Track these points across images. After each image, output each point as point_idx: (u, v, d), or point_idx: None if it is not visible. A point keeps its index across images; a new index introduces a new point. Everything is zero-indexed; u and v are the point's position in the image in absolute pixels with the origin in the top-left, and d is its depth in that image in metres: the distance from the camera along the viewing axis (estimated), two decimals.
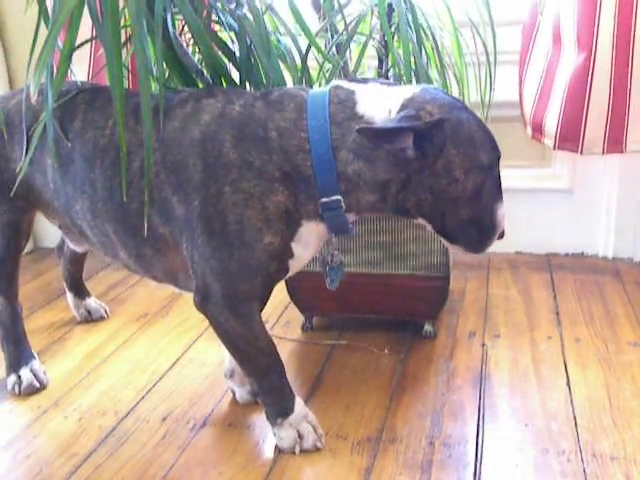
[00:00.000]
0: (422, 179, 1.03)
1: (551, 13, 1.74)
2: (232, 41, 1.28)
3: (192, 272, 1.10)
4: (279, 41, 1.30)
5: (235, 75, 1.25)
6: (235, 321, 1.09)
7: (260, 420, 1.26)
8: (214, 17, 1.32)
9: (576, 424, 1.22)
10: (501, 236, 1.13)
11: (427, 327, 1.58)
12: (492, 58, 1.52)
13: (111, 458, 1.16)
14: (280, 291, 1.60)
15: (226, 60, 1.28)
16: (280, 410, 1.16)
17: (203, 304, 1.10)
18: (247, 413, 1.29)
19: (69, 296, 1.74)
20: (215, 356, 1.51)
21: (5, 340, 1.40)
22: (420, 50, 1.34)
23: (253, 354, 1.13)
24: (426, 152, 1.01)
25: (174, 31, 1.22)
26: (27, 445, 1.21)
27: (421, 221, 1.10)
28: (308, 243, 1.11)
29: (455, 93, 1.54)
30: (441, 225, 1.08)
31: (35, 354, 1.43)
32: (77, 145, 1.16)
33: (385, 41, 1.44)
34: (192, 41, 1.31)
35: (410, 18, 1.36)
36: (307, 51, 1.27)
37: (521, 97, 1.87)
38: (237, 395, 1.32)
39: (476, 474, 1.10)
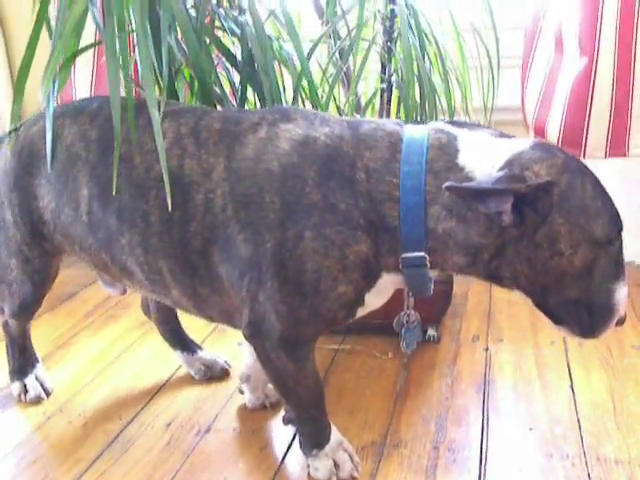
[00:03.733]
0: (519, 248, 0.91)
1: (553, 19, 1.75)
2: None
3: (249, 309, 1.01)
4: (281, 47, 1.31)
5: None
6: (288, 361, 1.03)
7: (265, 425, 1.27)
8: (217, 23, 1.33)
9: (580, 428, 1.22)
10: (621, 322, 0.98)
11: (430, 331, 1.58)
12: (495, 62, 1.52)
13: (116, 464, 1.16)
14: None
15: (229, 65, 1.29)
16: (316, 441, 1.11)
17: (255, 337, 1.03)
18: (252, 418, 1.29)
19: (177, 355, 1.47)
20: None
21: (11, 347, 1.40)
22: (423, 55, 1.35)
23: (299, 391, 1.07)
24: (526, 219, 0.89)
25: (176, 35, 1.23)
26: (32, 451, 1.21)
27: (519, 293, 0.98)
28: (382, 292, 1.03)
29: (458, 98, 1.55)
30: (542, 302, 0.97)
31: (39, 359, 1.43)
32: (123, 171, 1.04)
33: (388, 47, 1.45)
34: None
35: (412, 23, 1.37)
36: (309, 56, 1.27)
37: (523, 101, 1.87)
38: (247, 399, 1.32)
39: (480, 478, 1.10)
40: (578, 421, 1.24)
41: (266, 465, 1.15)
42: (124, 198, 1.04)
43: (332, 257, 0.95)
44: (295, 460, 1.16)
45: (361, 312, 1.04)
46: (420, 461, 1.15)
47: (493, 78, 1.53)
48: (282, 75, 1.38)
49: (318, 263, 0.95)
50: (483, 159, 0.92)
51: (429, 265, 0.96)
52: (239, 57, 1.26)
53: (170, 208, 0.98)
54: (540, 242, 0.90)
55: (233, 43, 1.31)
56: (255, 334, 1.03)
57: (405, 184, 0.93)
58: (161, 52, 1.06)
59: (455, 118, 1.47)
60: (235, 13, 1.27)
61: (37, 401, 1.37)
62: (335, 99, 1.37)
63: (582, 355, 1.50)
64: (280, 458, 1.17)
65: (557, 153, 0.93)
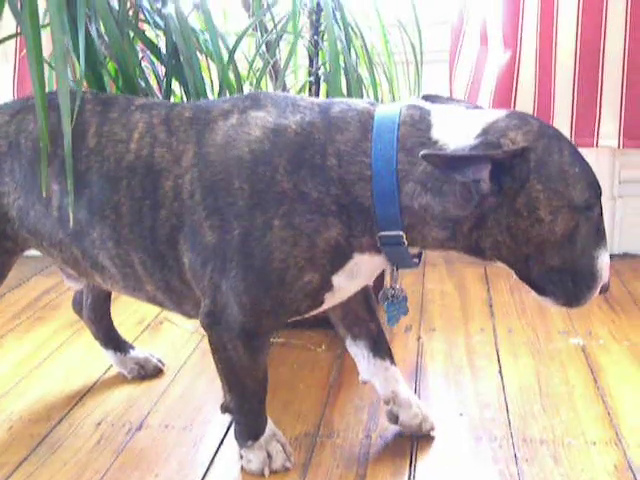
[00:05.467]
0: (499, 217, 0.90)
1: (478, 13, 1.79)
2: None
3: (210, 299, 1.00)
4: (207, 40, 1.30)
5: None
6: (244, 352, 1.02)
7: (198, 420, 1.25)
8: (142, 16, 1.32)
9: (508, 411, 1.25)
10: (604, 289, 0.96)
11: None
12: (419, 57, 1.54)
13: (43, 466, 1.13)
14: None
15: (154, 58, 1.28)
16: (252, 432, 1.10)
17: (214, 327, 1.02)
18: (184, 414, 1.28)
19: (109, 355, 1.43)
20: None
21: None
22: (349, 48, 1.36)
23: (246, 382, 1.07)
24: (504, 186, 0.88)
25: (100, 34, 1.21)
26: None
27: (501, 265, 0.97)
28: (356, 274, 1.00)
29: (385, 92, 1.57)
30: (525, 273, 0.95)
31: None
32: (94, 164, 1.03)
33: (315, 40, 1.45)
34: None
35: (338, 17, 1.37)
36: (234, 49, 1.27)
37: (452, 94, 1.91)
38: None
39: (411, 464, 1.11)
40: (506, 405, 1.27)
41: (199, 460, 1.14)
42: (95, 191, 1.03)
43: (300, 246, 0.94)
44: (228, 455, 1.15)
45: (332, 298, 1.02)
46: (352, 450, 1.16)
47: (418, 71, 1.55)
48: (209, 68, 1.37)
49: (285, 253, 0.94)
50: (457, 131, 0.91)
51: (407, 243, 0.95)
52: (164, 50, 1.25)
53: (72, 215, 0.99)
54: (520, 210, 0.89)
55: (157, 36, 1.30)
56: (214, 324, 1.01)
57: (377, 163, 0.92)
58: (83, 43, 1.05)
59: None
60: (159, 5, 1.26)
61: None
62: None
63: (511, 341, 1.54)
64: (213, 453, 1.16)
65: (532, 120, 0.93)
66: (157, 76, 1.33)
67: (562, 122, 1.72)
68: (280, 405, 1.29)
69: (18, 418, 1.28)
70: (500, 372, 1.40)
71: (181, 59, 1.22)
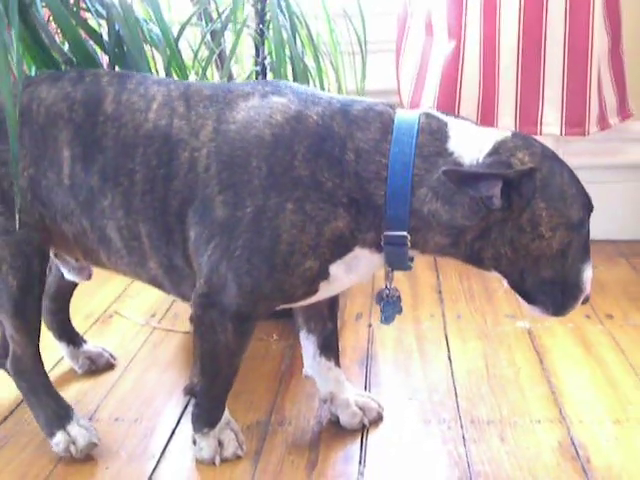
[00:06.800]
0: (503, 231, 0.96)
1: (422, 4, 1.81)
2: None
3: (205, 279, 1.00)
4: (151, 30, 1.29)
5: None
6: (234, 336, 1.03)
7: (147, 413, 1.25)
8: (83, 5, 1.29)
9: (456, 394, 1.28)
10: (586, 300, 1.03)
11: None
12: (364, 47, 1.55)
13: None
14: None
15: (98, 48, 1.26)
16: (210, 420, 1.10)
17: (207, 308, 1.02)
18: (134, 407, 1.27)
19: (62, 347, 1.41)
20: None
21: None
22: (294, 37, 1.36)
23: (223, 367, 1.07)
24: (512, 203, 0.93)
25: (41, 18, 1.19)
26: None
27: (495, 274, 1.02)
28: (353, 268, 1.02)
29: (332, 81, 1.57)
30: (519, 283, 1.00)
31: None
32: (110, 130, 1.03)
33: (261, 29, 1.45)
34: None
35: (284, 6, 1.37)
36: (178, 37, 1.26)
37: (399, 84, 1.92)
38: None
39: (362, 448, 1.13)
40: (455, 388, 1.30)
41: (149, 453, 1.13)
42: (109, 157, 1.03)
43: (308, 233, 0.96)
44: (178, 447, 1.15)
45: (326, 287, 1.03)
46: (304, 436, 1.17)
47: (363, 62, 1.56)
48: (154, 57, 1.36)
49: (293, 236, 0.96)
50: (471, 146, 0.96)
51: (410, 244, 0.98)
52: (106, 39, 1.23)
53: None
54: (523, 225, 0.95)
55: (100, 25, 1.28)
56: (208, 305, 1.01)
57: (394, 164, 0.95)
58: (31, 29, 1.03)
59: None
60: None
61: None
62: (209, 81, 1.36)
63: (459, 326, 1.57)
64: (163, 445, 1.15)
65: (534, 142, 0.98)
66: (100, 66, 1.30)
67: (506, 111, 1.75)
68: (232, 393, 1.26)
69: None
70: (449, 357, 1.42)
71: (124, 48, 1.21)
